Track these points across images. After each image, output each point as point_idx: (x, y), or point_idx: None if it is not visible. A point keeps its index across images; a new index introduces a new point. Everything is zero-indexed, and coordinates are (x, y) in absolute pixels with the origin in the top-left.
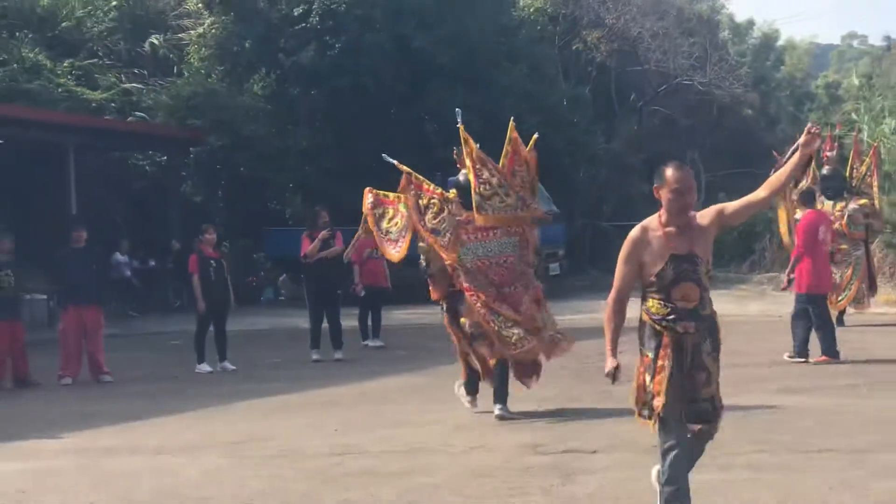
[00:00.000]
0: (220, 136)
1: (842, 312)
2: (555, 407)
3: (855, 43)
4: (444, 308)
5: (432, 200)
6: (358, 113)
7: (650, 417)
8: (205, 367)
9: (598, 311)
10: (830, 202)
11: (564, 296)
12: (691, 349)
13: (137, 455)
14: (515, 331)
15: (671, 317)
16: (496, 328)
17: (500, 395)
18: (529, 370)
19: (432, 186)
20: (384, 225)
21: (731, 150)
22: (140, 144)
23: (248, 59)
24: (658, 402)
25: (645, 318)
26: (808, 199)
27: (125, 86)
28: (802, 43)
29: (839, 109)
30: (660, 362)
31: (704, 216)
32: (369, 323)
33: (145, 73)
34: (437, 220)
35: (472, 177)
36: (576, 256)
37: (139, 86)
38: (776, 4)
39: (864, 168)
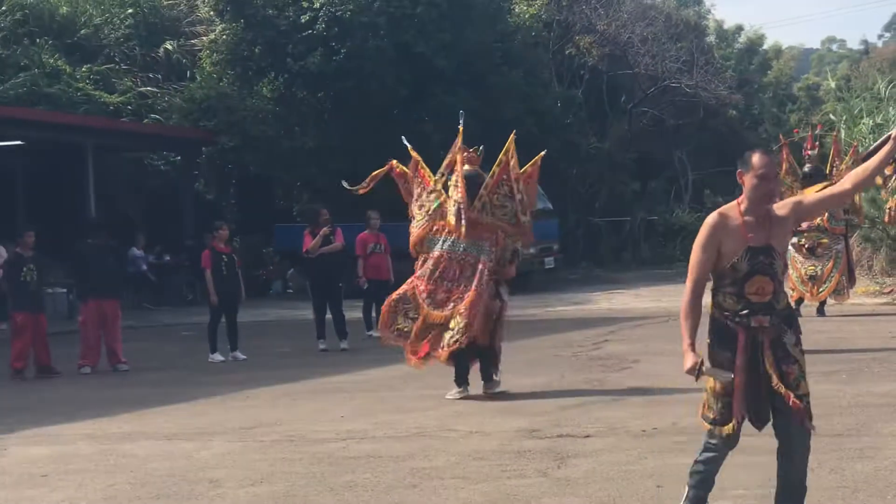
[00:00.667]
0: (232, 137)
1: (822, 303)
2: (550, 393)
3: (834, 47)
4: None
5: (430, 194)
6: (362, 114)
7: (719, 422)
8: (217, 357)
9: (589, 303)
10: None
11: (558, 288)
12: (770, 344)
13: (152, 440)
14: (407, 323)
15: (744, 312)
16: (394, 311)
17: (458, 379)
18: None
19: (433, 180)
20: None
21: (716, 149)
22: (155, 145)
23: (258, 63)
24: (737, 413)
25: (716, 314)
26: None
27: (141, 89)
28: (790, 49)
29: (819, 110)
30: (737, 361)
31: (782, 207)
32: (373, 314)
33: (160, 77)
34: (420, 212)
35: (490, 181)
36: (569, 250)
37: (154, 89)
38: (761, 10)
39: (843, 166)
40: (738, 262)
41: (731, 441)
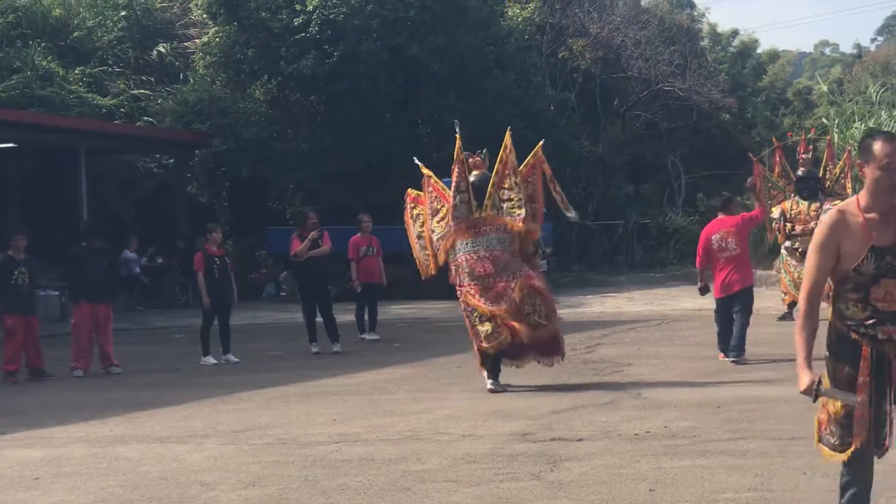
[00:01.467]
0: (224, 140)
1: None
2: (542, 396)
3: (827, 51)
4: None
5: (444, 206)
6: (355, 117)
7: (839, 448)
8: (210, 360)
9: (582, 306)
10: (805, 202)
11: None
12: None
13: (145, 442)
14: (487, 325)
15: (870, 321)
16: (472, 322)
17: (492, 372)
18: (547, 352)
19: (448, 192)
20: (417, 229)
21: (709, 152)
22: (148, 148)
23: (251, 66)
24: (858, 435)
25: (837, 323)
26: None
27: (133, 92)
28: (784, 53)
29: (812, 114)
30: (860, 379)
31: None
32: (365, 317)
33: (153, 79)
34: (443, 223)
35: (494, 179)
36: (562, 253)
37: (147, 92)
38: (755, 14)
39: (837, 170)
40: (861, 265)
41: (865, 467)
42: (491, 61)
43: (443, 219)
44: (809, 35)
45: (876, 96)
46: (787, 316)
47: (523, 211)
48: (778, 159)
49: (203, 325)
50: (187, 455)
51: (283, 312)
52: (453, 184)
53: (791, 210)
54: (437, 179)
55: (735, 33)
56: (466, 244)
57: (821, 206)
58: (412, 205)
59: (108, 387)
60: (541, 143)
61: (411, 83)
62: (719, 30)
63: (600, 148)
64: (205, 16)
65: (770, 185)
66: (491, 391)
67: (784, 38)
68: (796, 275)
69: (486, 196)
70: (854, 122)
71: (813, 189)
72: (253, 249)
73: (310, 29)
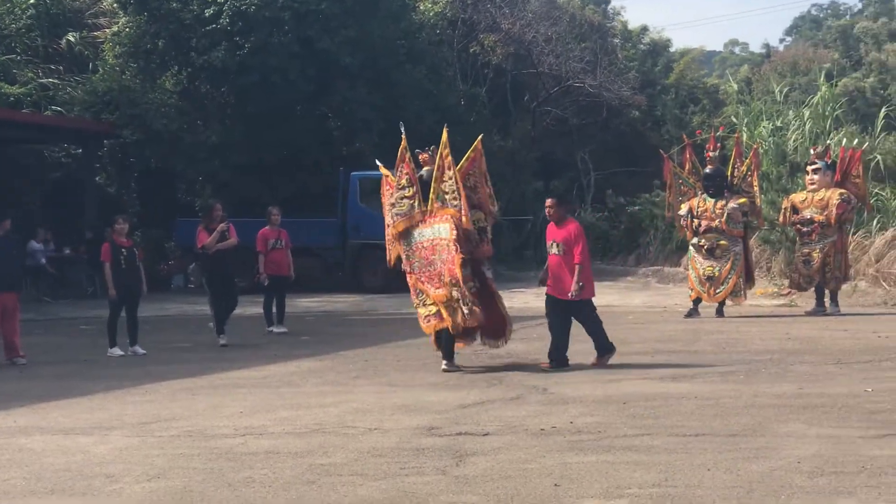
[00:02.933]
0: (134, 131)
1: (721, 304)
2: (449, 391)
3: (737, 50)
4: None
5: (401, 198)
6: (265, 110)
7: None
8: (116, 351)
9: None
10: (712, 200)
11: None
12: None
13: (49, 434)
14: (430, 308)
15: None
16: (416, 305)
17: (446, 354)
18: (492, 334)
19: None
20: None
21: (618, 149)
22: (56, 137)
23: (161, 57)
24: None
25: None
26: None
27: (42, 81)
28: (693, 51)
29: (721, 113)
30: None
31: None
32: (273, 310)
33: (61, 68)
34: (392, 211)
35: (436, 173)
36: None
37: (55, 81)
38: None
39: (744, 168)
40: None
41: None
42: (402, 55)
43: (394, 206)
44: (721, 34)
45: (781, 95)
46: (692, 312)
47: (460, 202)
48: (688, 156)
49: (110, 317)
50: (92, 447)
51: (192, 304)
52: (397, 181)
53: (698, 207)
54: (393, 178)
55: (644, 30)
56: (418, 234)
57: (726, 204)
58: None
59: (13, 378)
60: (480, 137)
61: (322, 76)
62: (630, 27)
63: (510, 143)
64: (115, 5)
65: (681, 181)
66: (445, 371)
67: (695, 37)
68: (702, 271)
69: (431, 190)
70: (762, 120)
71: (719, 187)
72: (161, 241)
73: (221, 20)
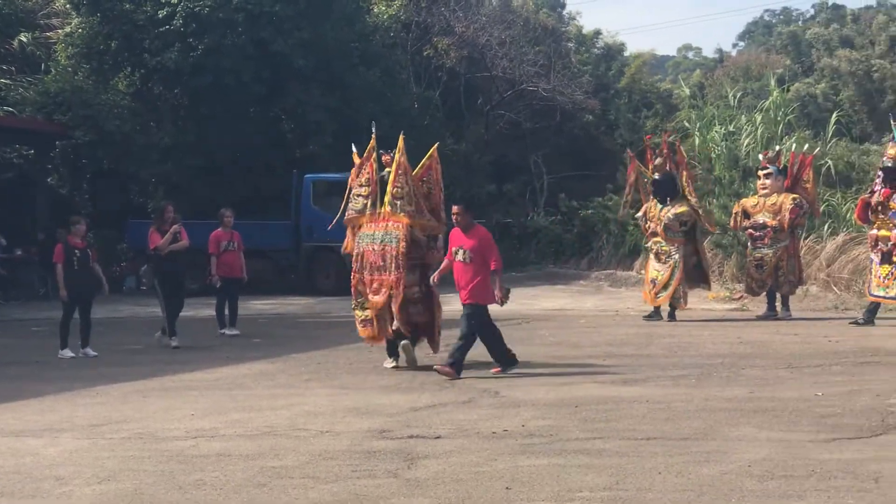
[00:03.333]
0: (86, 132)
1: (673, 309)
2: (401, 394)
3: (690, 55)
4: None
5: (357, 196)
6: (218, 112)
7: None
8: (67, 353)
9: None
10: (660, 206)
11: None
12: None
13: None
14: (367, 313)
15: None
16: (354, 307)
17: (390, 352)
18: (429, 339)
19: (363, 176)
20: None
21: (571, 153)
22: (7, 138)
23: (114, 58)
24: None
25: None
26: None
27: None
28: (643, 54)
29: (674, 117)
30: None
31: None
32: (226, 312)
33: (13, 69)
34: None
35: (391, 178)
36: None
37: (7, 81)
38: (620, 17)
39: (684, 173)
40: None
41: None
42: (356, 58)
43: (351, 201)
44: (674, 39)
45: (734, 100)
46: (653, 315)
47: (411, 208)
48: (650, 158)
49: (63, 318)
50: (42, 449)
51: (144, 306)
52: (357, 178)
53: (649, 211)
54: (375, 158)
55: (598, 34)
56: (368, 236)
57: (668, 212)
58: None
59: None
60: (436, 145)
61: (276, 78)
62: (584, 31)
63: (464, 147)
64: (68, 6)
65: (646, 180)
66: (393, 368)
67: (649, 41)
68: (653, 275)
69: (385, 193)
70: (714, 125)
71: (665, 193)
72: (114, 242)
73: (174, 21)
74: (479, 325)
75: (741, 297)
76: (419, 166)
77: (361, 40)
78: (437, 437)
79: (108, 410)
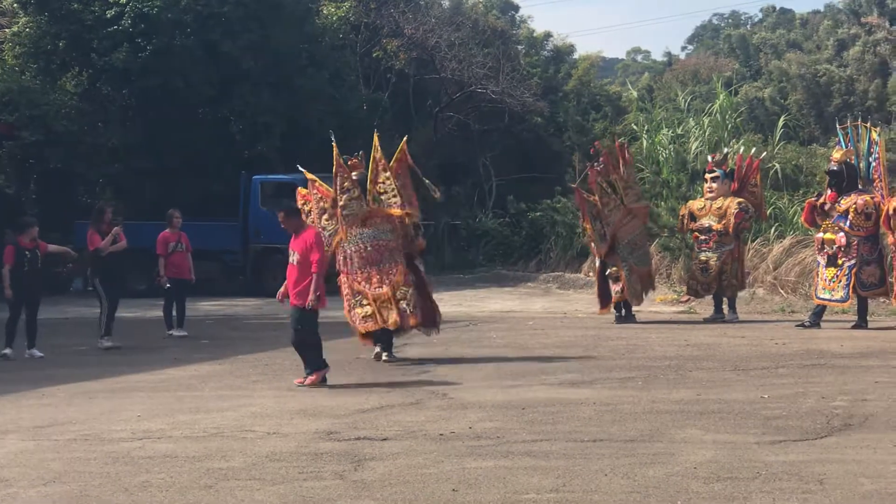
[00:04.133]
0: (33, 132)
1: (629, 310)
2: (349, 395)
3: (639, 58)
4: None
5: (325, 204)
6: (167, 112)
7: None
8: (8, 352)
9: None
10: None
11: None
12: None
13: None
14: (366, 308)
15: None
16: (352, 306)
17: (385, 345)
18: (427, 323)
19: (325, 188)
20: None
21: (520, 155)
22: None
23: (62, 58)
24: None
25: None
26: None
27: None
28: (590, 56)
29: (622, 120)
30: None
31: None
32: (174, 313)
33: None
34: (332, 221)
35: (370, 175)
36: None
37: None
38: (569, 20)
39: (616, 176)
40: None
41: None
42: (305, 59)
43: (331, 217)
44: (623, 42)
45: (684, 103)
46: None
47: (399, 199)
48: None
49: (10, 319)
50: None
51: (90, 307)
52: (338, 187)
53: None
54: (321, 182)
55: (548, 36)
56: (357, 236)
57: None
58: (302, 202)
59: None
60: (405, 138)
61: (225, 80)
62: (535, 34)
63: (412, 148)
64: (15, 5)
65: (593, 199)
66: (386, 362)
67: (598, 44)
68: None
69: (367, 192)
70: (662, 128)
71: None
72: (61, 243)
73: (122, 22)
74: (312, 328)
75: (688, 299)
76: (393, 160)
77: (310, 42)
78: (384, 439)
79: (54, 412)
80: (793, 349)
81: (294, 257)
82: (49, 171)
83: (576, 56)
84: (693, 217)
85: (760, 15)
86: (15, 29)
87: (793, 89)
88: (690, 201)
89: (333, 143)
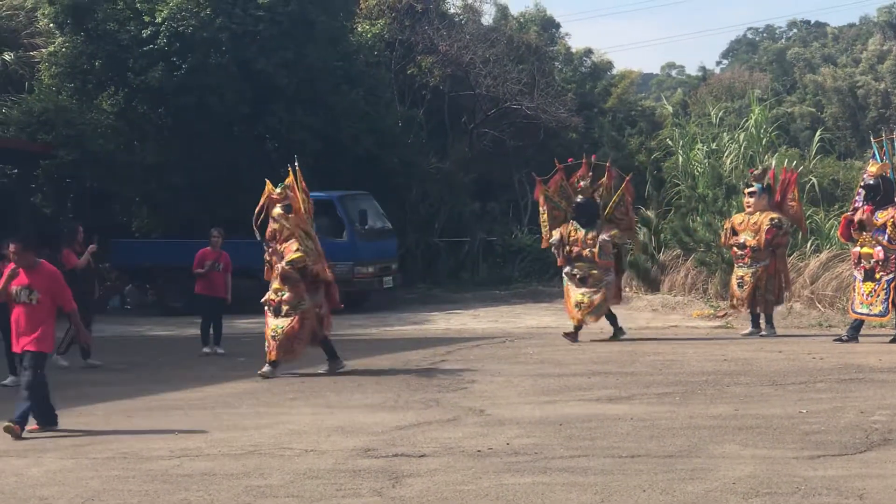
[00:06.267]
0: (70, 151)
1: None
2: (386, 412)
3: (673, 73)
4: None
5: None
6: (202, 131)
7: None
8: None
9: (427, 323)
10: (584, 229)
11: (397, 307)
12: None
13: None
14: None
15: None
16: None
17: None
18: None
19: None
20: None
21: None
22: None
23: (98, 77)
24: None
25: None
26: None
27: None
28: (631, 73)
29: (656, 135)
30: None
31: None
32: (210, 331)
33: None
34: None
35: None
36: (408, 270)
37: None
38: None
39: (616, 197)
40: None
41: None
42: (339, 77)
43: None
44: (657, 57)
45: (716, 118)
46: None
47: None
48: (558, 179)
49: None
50: (26, 469)
51: (129, 325)
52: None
53: (569, 235)
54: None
55: (588, 52)
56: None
57: (597, 235)
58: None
59: None
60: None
61: (259, 98)
62: (573, 50)
63: (447, 165)
64: (52, 25)
65: (553, 205)
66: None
67: (633, 59)
68: (577, 298)
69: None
70: (697, 143)
71: (592, 216)
72: (97, 262)
73: (158, 41)
74: (43, 374)
75: (725, 314)
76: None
77: (345, 59)
78: (422, 456)
79: (92, 430)
80: (831, 364)
81: (32, 296)
82: (85, 191)
83: (613, 72)
84: (734, 231)
85: (784, 26)
86: (51, 49)
87: (828, 103)
88: (735, 215)
89: (297, 168)
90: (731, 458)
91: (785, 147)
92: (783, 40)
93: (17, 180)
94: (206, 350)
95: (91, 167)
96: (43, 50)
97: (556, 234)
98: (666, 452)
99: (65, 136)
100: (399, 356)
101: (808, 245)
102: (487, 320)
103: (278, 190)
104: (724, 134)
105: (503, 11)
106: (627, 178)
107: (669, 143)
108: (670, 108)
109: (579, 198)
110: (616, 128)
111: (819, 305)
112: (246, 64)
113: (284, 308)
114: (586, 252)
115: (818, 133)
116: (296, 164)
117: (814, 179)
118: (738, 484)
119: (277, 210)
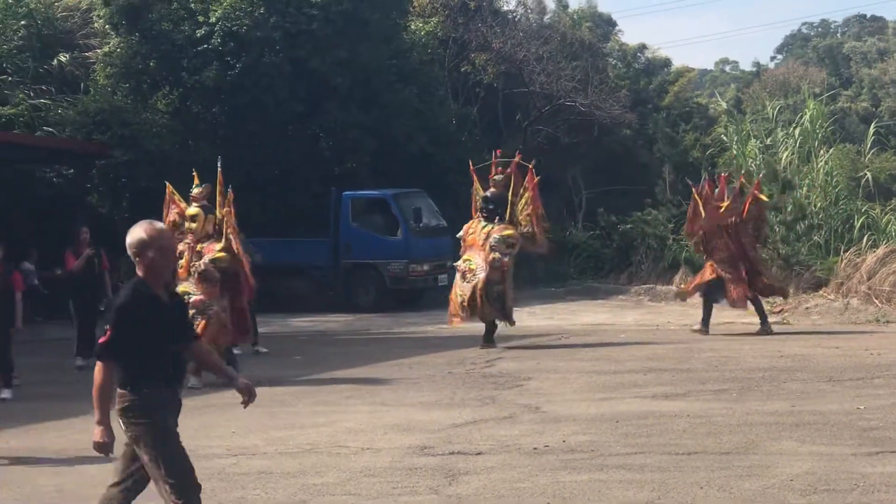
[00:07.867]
0: (125, 151)
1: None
2: (442, 410)
3: (727, 68)
4: None
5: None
6: (256, 130)
7: None
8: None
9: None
10: (483, 224)
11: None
12: None
13: (40, 455)
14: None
15: None
16: None
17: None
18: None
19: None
20: None
21: (609, 168)
22: (48, 158)
23: (153, 77)
24: None
25: None
26: None
27: (33, 101)
28: (689, 72)
29: (711, 131)
30: None
31: None
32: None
33: (53, 89)
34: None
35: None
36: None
37: (47, 101)
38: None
39: (522, 202)
40: None
41: None
42: (393, 75)
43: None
44: (712, 52)
45: (772, 114)
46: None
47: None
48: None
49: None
50: (83, 468)
51: None
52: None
53: (469, 229)
54: (180, 198)
55: (642, 48)
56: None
57: (490, 232)
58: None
59: (8, 399)
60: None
61: (313, 96)
62: (626, 46)
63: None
64: (106, 26)
65: (478, 198)
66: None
67: (686, 55)
68: (458, 292)
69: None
70: (750, 139)
71: (493, 213)
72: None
73: (212, 40)
74: None
75: (781, 310)
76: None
77: (398, 57)
78: (478, 454)
79: None
80: (888, 359)
81: None
82: (141, 190)
83: (670, 69)
84: None
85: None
86: (106, 49)
87: (886, 97)
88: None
89: (219, 170)
90: (788, 454)
91: (840, 142)
92: (838, 35)
93: (73, 180)
94: (256, 348)
95: (146, 166)
96: (98, 50)
97: (465, 227)
98: (723, 449)
99: (120, 137)
100: (454, 354)
101: (865, 240)
102: (543, 317)
103: (196, 190)
104: (779, 130)
105: (563, 6)
106: (531, 166)
107: (724, 138)
108: (724, 104)
109: (490, 191)
110: (670, 124)
111: (876, 301)
112: (299, 63)
113: (190, 312)
114: (478, 247)
115: (872, 126)
116: (219, 164)
117: (869, 174)
118: (796, 481)
119: (194, 209)
